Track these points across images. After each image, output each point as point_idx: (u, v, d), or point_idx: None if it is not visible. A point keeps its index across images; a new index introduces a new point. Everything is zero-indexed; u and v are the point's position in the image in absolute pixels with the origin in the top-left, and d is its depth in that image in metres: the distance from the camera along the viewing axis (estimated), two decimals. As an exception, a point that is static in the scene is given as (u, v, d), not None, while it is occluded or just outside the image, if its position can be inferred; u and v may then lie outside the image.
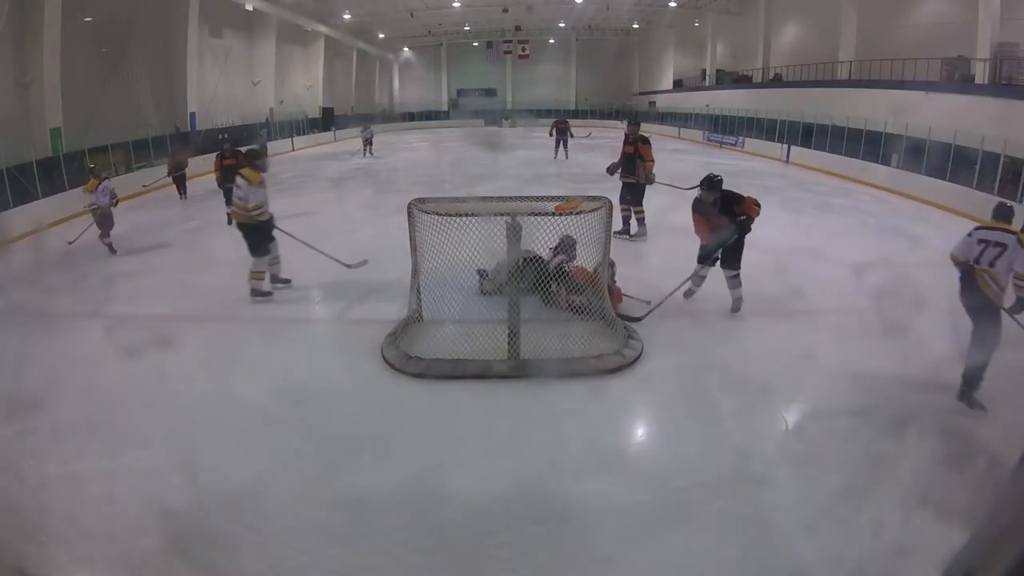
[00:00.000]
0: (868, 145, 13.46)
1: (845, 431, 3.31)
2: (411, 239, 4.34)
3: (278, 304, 5.43)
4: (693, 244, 5.14)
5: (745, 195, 4.97)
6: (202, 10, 16.64)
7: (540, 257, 4.67)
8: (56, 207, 9.85)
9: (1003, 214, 3.69)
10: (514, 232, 3.87)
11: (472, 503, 2.71)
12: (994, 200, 9.32)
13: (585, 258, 4.72)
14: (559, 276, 4.85)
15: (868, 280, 5.88)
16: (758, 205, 4.88)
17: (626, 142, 7.43)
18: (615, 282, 5.13)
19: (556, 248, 4.87)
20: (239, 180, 5.34)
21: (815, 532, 2.53)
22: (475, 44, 34.51)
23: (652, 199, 10.01)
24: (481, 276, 5.07)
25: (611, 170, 7.52)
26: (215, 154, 9.27)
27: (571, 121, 17.91)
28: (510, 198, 4.56)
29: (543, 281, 4.56)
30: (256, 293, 5.44)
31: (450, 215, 4.08)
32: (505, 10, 26.47)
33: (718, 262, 4.95)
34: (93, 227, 7.52)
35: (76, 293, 5.94)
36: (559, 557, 2.41)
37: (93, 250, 7.86)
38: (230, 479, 2.86)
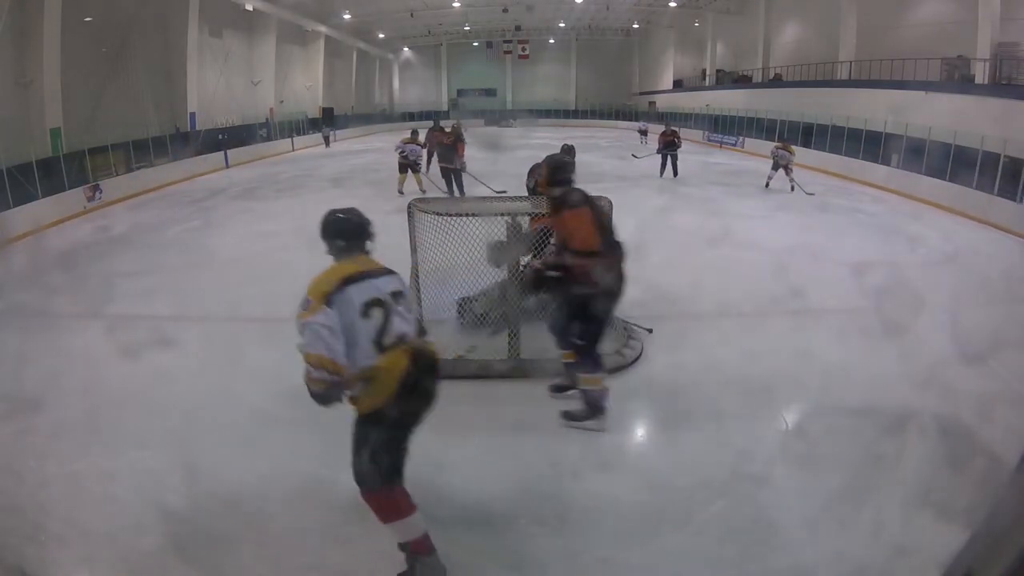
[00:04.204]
0: (868, 145, 13.47)
1: (845, 431, 3.30)
2: (411, 239, 4.34)
3: (278, 304, 5.42)
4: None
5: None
6: (202, 10, 16.64)
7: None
8: (56, 207, 9.86)
9: None
10: (514, 232, 3.87)
11: (472, 503, 2.71)
12: (994, 200, 9.40)
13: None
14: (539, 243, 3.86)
15: (868, 280, 5.88)
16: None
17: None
18: None
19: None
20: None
21: (815, 532, 2.53)
22: (475, 44, 34.55)
23: (651, 199, 10.03)
24: (461, 305, 4.45)
25: None
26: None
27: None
28: (510, 198, 4.56)
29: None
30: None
31: (450, 215, 4.08)
32: (505, 10, 26.51)
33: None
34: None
35: (76, 293, 5.93)
36: (559, 557, 2.41)
37: (93, 250, 7.88)
38: (230, 479, 2.86)
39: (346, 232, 2.20)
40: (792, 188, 11.28)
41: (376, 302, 2.03)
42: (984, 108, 11.68)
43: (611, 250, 2.92)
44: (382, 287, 2.09)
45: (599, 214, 2.95)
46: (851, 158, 13.86)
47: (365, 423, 2.09)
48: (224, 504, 2.71)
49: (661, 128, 13.25)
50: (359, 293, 2.00)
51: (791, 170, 11.39)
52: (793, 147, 11.83)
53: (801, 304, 5.27)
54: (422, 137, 10.90)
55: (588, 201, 2.98)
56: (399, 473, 2.12)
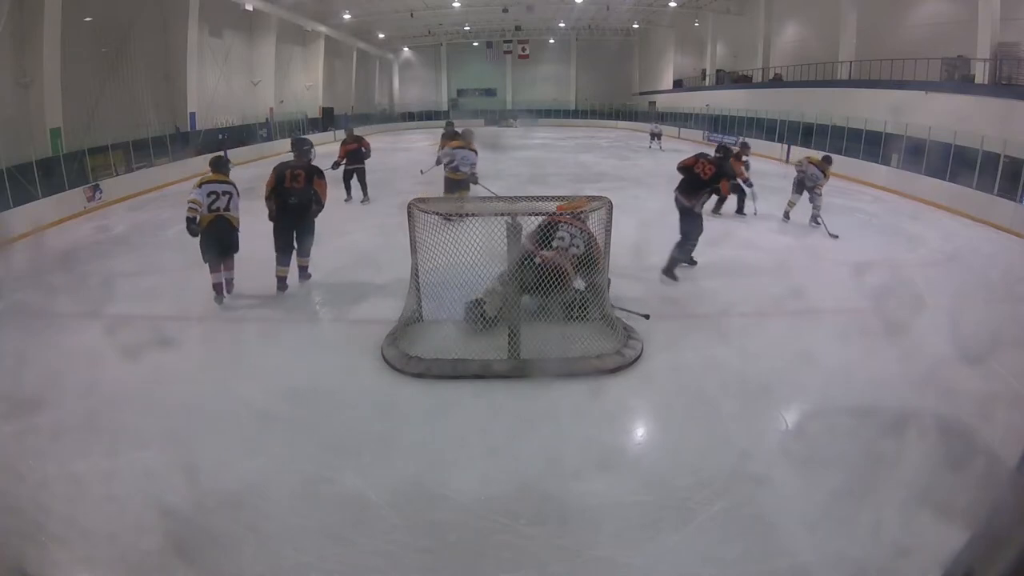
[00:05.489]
0: (868, 145, 13.46)
1: (845, 431, 3.31)
2: (411, 239, 4.34)
3: (278, 304, 5.43)
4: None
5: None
6: (202, 10, 16.62)
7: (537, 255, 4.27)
8: (56, 207, 9.85)
9: None
10: (514, 232, 3.87)
11: (472, 503, 2.71)
12: (994, 200, 9.41)
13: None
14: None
15: (868, 280, 5.88)
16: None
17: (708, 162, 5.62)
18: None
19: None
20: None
21: (815, 532, 2.53)
22: (475, 44, 34.52)
23: (651, 199, 10.00)
24: (473, 307, 4.38)
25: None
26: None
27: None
28: (510, 198, 4.56)
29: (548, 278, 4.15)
30: None
31: (450, 215, 4.08)
32: (505, 10, 26.47)
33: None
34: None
35: (76, 293, 5.93)
36: (559, 557, 2.41)
37: (93, 250, 7.87)
38: (230, 479, 2.86)
39: (212, 164, 5.19)
40: (816, 221, 7.97)
41: (214, 192, 5.01)
42: (984, 108, 11.68)
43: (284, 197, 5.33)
44: (222, 188, 5.05)
45: (281, 178, 5.33)
46: (851, 158, 13.84)
47: (199, 241, 5.04)
48: (224, 504, 2.71)
49: (715, 140, 10.16)
50: (209, 187, 5.00)
51: (819, 195, 7.97)
52: (829, 165, 8.26)
53: (801, 304, 5.27)
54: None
55: (281, 168, 5.40)
56: (212, 259, 5.08)
